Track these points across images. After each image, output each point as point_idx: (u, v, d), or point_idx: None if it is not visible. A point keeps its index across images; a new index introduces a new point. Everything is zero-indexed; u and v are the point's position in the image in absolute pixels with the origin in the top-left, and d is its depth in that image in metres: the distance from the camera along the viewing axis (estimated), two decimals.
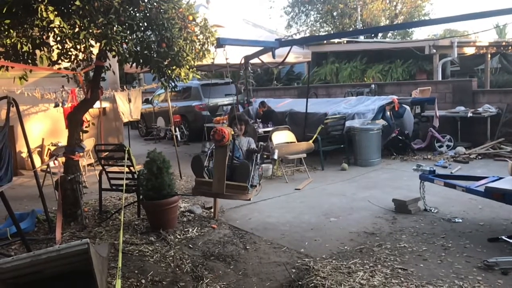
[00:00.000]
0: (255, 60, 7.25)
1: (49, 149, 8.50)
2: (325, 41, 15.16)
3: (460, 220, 4.93)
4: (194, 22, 5.20)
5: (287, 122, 9.42)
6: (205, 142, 5.26)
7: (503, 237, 4.23)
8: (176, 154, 7.86)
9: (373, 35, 22.36)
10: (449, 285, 3.44)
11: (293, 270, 3.87)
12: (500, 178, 4.78)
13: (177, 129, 12.01)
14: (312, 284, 3.54)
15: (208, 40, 5.39)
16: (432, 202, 5.44)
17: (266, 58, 8.77)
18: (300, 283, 3.61)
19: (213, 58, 5.21)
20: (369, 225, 4.94)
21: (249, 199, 4.77)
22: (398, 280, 3.58)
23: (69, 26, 4.19)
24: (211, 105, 12.23)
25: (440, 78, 12.34)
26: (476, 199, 5.33)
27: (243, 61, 5.49)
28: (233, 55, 6.61)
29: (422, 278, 3.60)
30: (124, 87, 9.27)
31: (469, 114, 8.98)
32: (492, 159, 8.10)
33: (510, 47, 15.20)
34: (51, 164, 6.60)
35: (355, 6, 22.80)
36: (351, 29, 22.28)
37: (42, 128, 9.06)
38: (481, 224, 4.79)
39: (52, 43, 4.76)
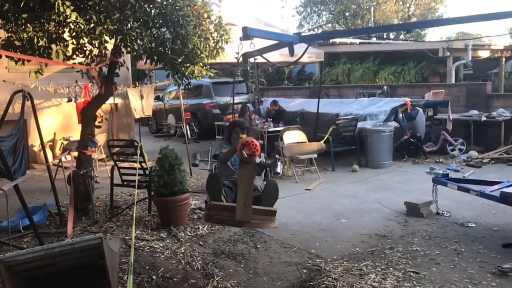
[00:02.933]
0: (270, 59, 7.04)
1: (62, 143, 8.56)
2: (337, 42, 15.08)
3: (473, 225, 4.87)
4: (208, 20, 5.20)
5: (298, 122, 9.39)
6: (196, 153, 4.53)
7: None
8: (187, 151, 7.87)
9: (385, 36, 22.23)
10: None
11: (304, 271, 3.85)
12: None
13: (187, 126, 12.03)
14: (324, 285, 3.52)
15: (222, 38, 5.39)
16: (444, 206, 5.39)
17: (278, 57, 8.79)
18: (311, 283, 3.59)
19: (237, 52, 4.25)
20: (380, 228, 4.90)
21: (276, 227, 3.83)
22: (410, 283, 3.54)
23: (85, 21, 4.21)
24: (222, 103, 12.24)
25: (453, 81, 12.22)
26: (490, 204, 5.27)
27: (241, 60, 4.92)
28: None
29: (435, 282, 3.56)
30: (136, 83, 9.31)
31: (483, 118, 8.87)
32: (506, 164, 8.00)
33: None
34: (63, 158, 6.64)
35: (368, 7, 22.67)
36: None
37: (54, 122, 9.13)
38: (495, 229, 4.72)
39: (67, 38, 4.78)
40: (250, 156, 3.29)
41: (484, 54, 14.09)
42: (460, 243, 4.36)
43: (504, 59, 14.39)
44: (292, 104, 10.99)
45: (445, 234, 4.65)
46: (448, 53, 12.27)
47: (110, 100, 6.44)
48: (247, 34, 4.09)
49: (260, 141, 4.28)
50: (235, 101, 12.24)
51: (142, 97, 8.63)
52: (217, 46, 5.40)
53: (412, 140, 8.73)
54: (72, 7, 4.04)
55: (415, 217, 5.20)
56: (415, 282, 3.56)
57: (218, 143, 4.46)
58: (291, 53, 4.46)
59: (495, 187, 4.78)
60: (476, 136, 9.14)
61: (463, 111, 9.74)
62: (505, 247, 4.19)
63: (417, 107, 9.02)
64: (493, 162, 8.18)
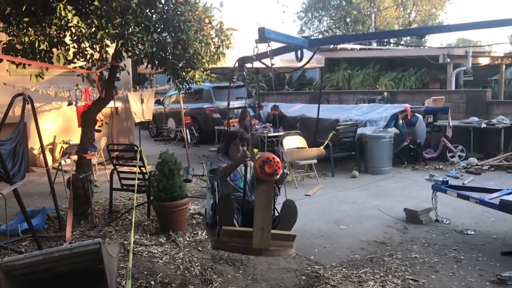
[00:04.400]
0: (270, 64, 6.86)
1: (61, 147, 8.56)
2: (338, 47, 15.11)
3: (473, 232, 4.86)
4: (210, 25, 5.22)
5: (298, 127, 9.40)
6: (189, 168, 4.11)
7: None
8: (187, 156, 7.87)
9: (385, 43, 22.23)
10: None
11: (303, 277, 3.84)
12: None
13: (187, 130, 12.04)
14: None
15: (223, 43, 5.41)
16: (443, 213, 5.38)
17: (279, 63, 8.80)
18: None
19: (254, 55, 3.80)
20: (379, 234, 4.89)
21: (293, 254, 3.50)
22: None
23: (86, 26, 4.23)
24: (222, 107, 12.25)
25: (453, 88, 12.24)
26: (489, 212, 5.26)
27: (237, 65, 4.58)
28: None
29: None
30: (137, 87, 9.32)
31: (483, 125, 8.88)
32: (505, 172, 8.00)
33: None
34: (63, 162, 6.64)
35: (368, 13, 22.74)
36: None
37: (54, 125, 9.13)
38: (494, 237, 4.72)
39: (68, 42, 4.80)
40: (271, 175, 2.87)
41: (484, 61, 14.13)
42: (459, 251, 4.35)
43: (504, 66, 14.42)
44: (293, 109, 11.01)
45: (444, 241, 4.64)
46: (449, 60, 12.30)
47: (111, 104, 6.45)
48: (265, 36, 3.72)
49: (261, 153, 3.57)
50: (236, 105, 12.30)
51: (142, 101, 8.64)
52: (218, 51, 5.42)
53: (412, 147, 8.73)
54: (73, 12, 4.06)
55: (414, 224, 5.19)
56: None
57: (214, 156, 3.79)
58: (300, 58, 4.13)
59: (495, 194, 4.77)
60: (476, 143, 9.15)
61: (463, 117, 9.75)
62: (504, 255, 4.19)
63: (417, 114, 9.03)
64: (492, 169, 8.17)
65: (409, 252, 4.36)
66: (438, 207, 5.34)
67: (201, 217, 5.45)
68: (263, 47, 3.71)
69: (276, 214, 3.27)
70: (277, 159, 2.92)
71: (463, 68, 12.82)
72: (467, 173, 7.93)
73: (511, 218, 4.89)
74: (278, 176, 2.91)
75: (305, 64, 4.55)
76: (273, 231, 2.99)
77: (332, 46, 14.43)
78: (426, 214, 5.30)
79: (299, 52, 4.24)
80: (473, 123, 9.16)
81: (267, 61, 4.94)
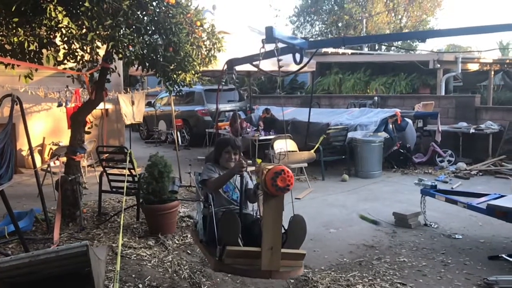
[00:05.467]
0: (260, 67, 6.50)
1: (51, 148, 8.49)
2: (329, 52, 15.18)
3: (460, 237, 4.90)
4: (201, 28, 5.22)
5: (289, 130, 9.42)
6: (174, 178, 3.72)
7: (504, 256, 4.21)
8: (177, 158, 7.84)
9: (377, 47, 22.42)
10: None
11: (292, 281, 3.84)
12: (502, 196, 4.77)
13: (178, 133, 12.01)
14: None
15: (215, 46, 5.42)
16: (432, 217, 5.42)
17: (270, 66, 8.82)
18: None
19: (260, 54, 3.55)
20: (368, 238, 4.91)
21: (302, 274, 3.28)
22: None
23: (77, 27, 4.20)
24: (214, 110, 12.23)
25: (443, 93, 12.36)
26: (477, 216, 5.31)
27: (225, 67, 4.32)
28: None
29: None
30: (128, 89, 9.28)
31: (471, 130, 8.99)
32: (493, 176, 8.09)
33: None
34: (52, 163, 6.58)
35: (360, 18, 22.90)
36: None
37: (44, 127, 9.06)
38: (482, 241, 4.76)
39: (59, 43, 4.77)
40: (283, 189, 2.58)
41: (473, 67, 14.29)
42: (447, 255, 4.39)
43: (493, 72, 14.60)
44: (284, 113, 11.01)
45: (433, 245, 4.67)
46: (438, 65, 12.42)
47: (101, 106, 6.42)
48: (273, 35, 3.50)
49: (266, 164, 3.09)
50: (227, 108, 12.30)
51: (133, 103, 8.61)
52: (210, 54, 5.43)
53: (402, 151, 8.79)
54: (64, 12, 4.03)
55: (403, 228, 5.23)
56: None
57: (203, 165, 3.51)
58: (300, 60, 3.89)
59: (482, 199, 4.83)
60: (464, 148, 9.24)
61: (452, 123, 9.85)
62: (491, 259, 4.23)
63: (407, 118, 9.10)
64: (481, 174, 8.26)
65: (398, 255, 4.39)
66: (426, 211, 5.38)
67: (191, 220, 5.43)
68: (257, 48, 3.55)
69: (283, 230, 2.90)
70: (290, 171, 2.64)
71: (453, 73, 12.96)
72: (456, 177, 8.01)
73: (498, 222, 4.93)
74: (287, 191, 2.62)
75: (301, 67, 4.34)
76: (284, 250, 2.75)
77: (323, 50, 14.47)
78: (414, 218, 5.34)
79: (297, 55, 4.10)
80: (462, 128, 9.27)
81: (267, 63, 4.69)
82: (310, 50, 5.15)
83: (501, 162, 8.60)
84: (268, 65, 7.77)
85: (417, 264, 4.18)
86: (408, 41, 21.85)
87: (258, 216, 3.36)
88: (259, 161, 3.03)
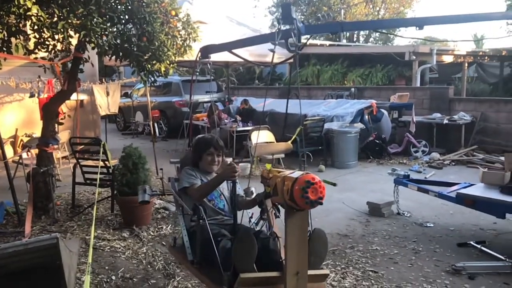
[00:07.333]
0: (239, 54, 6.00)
1: (21, 140, 8.30)
2: (308, 43, 15.16)
3: (432, 225, 5.03)
4: (176, 17, 5.16)
5: (267, 121, 9.43)
6: (144, 186, 3.19)
7: (471, 242, 4.34)
8: (154, 150, 7.77)
9: (355, 39, 22.58)
10: None
11: None
12: (471, 185, 4.89)
13: (155, 124, 11.89)
14: None
15: (190, 36, 5.36)
16: (405, 206, 5.53)
17: (248, 57, 8.80)
18: None
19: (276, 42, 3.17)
20: (343, 227, 4.99)
21: None
22: (368, 282, 3.63)
23: (47, 15, 4.10)
24: (192, 101, 12.14)
25: (418, 85, 12.55)
26: (448, 205, 5.44)
27: (199, 55, 3.90)
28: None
29: (392, 281, 3.66)
30: (103, 80, 9.12)
31: (445, 121, 9.18)
32: (465, 166, 8.29)
33: (486, 57, 15.58)
34: (24, 155, 6.44)
35: (338, 9, 23.01)
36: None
37: (16, 118, 8.82)
38: (452, 229, 4.89)
39: (29, 32, 4.64)
40: (313, 203, 2.11)
41: (448, 59, 14.54)
42: (418, 243, 4.49)
43: (466, 64, 14.88)
44: (262, 104, 11.02)
45: (405, 233, 4.78)
46: (414, 57, 12.58)
47: (74, 96, 6.30)
48: (292, 14, 3.07)
49: (288, 170, 2.56)
50: (205, 100, 12.22)
51: (108, 94, 8.48)
52: (185, 44, 5.38)
53: (377, 142, 8.92)
54: (33, 0, 3.92)
55: (376, 217, 5.33)
56: (373, 281, 3.64)
57: (182, 171, 3.04)
58: (292, 47, 3.35)
59: (453, 188, 4.94)
60: (438, 139, 9.44)
61: (427, 113, 10.04)
62: (460, 246, 4.35)
63: (382, 109, 9.22)
64: (453, 163, 8.46)
65: (370, 244, 4.47)
66: (400, 200, 5.49)
67: (166, 212, 5.40)
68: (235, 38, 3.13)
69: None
70: (320, 181, 2.17)
71: (428, 65, 13.15)
72: (430, 167, 8.18)
73: (468, 210, 5.08)
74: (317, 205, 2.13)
75: (287, 59, 3.97)
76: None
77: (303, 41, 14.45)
78: (388, 207, 5.44)
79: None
80: (436, 119, 9.45)
81: (244, 53, 4.21)
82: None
83: (473, 152, 8.83)
84: (245, 55, 7.75)
85: (389, 252, 4.27)
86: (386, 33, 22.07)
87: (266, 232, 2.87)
88: (268, 166, 2.64)
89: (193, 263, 2.69)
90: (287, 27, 3.23)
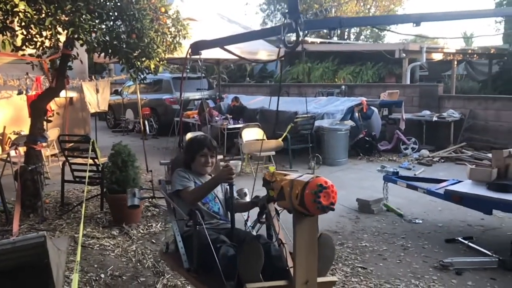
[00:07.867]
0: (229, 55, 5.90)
1: (9, 137, 8.21)
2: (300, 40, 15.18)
3: (420, 221, 5.07)
4: (166, 14, 5.14)
5: (258, 119, 9.44)
6: (134, 189, 3.06)
7: (459, 238, 4.39)
8: (144, 148, 7.74)
9: (346, 37, 22.65)
10: (406, 284, 3.54)
11: None
12: (459, 182, 4.95)
13: (146, 122, 11.83)
14: None
15: (180, 33, 5.34)
16: (394, 203, 5.57)
17: (238, 54, 8.79)
18: None
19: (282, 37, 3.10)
20: (332, 224, 5.01)
21: None
22: (357, 278, 3.65)
23: (34, 12, 4.06)
24: (182, 99, 12.10)
25: (408, 82, 12.63)
26: (436, 201, 5.49)
27: (189, 51, 3.84)
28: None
29: (381, 277, 3.68)
30: (93, 77, 9.05)
31: (434, 118, 9.26)
32: (454, 163, 8.37)
33: (475, 55, 15.73)
34: (12, 153, 6.38)
35: (330, 7, 23.05)
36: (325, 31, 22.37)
37: (4, 115, 8.72)
38: (440, 225, 4.94)
39: (16, 28, 4.58)
40: (324, 209, 1.98)
41: (437, 56, 14.63)
42: (407, 239, 4.53)
43: (456, 62, 15.00)
44: (253, 101, 11.03)
45: (394, 230, 4.82)
46: (404, 55, 12.65)
47: (64, 94, 6.25)
48: (297, 7, 3.05)
49: (297, 173, 2.43)
50: (196, 97, 12.19)
51: (97, 91, 8.42)
52: (175, 41, 5.36)
53: (367, 139, 8.97)
54: None
55: (366, 213, 5.36)
56: (362, 277, 3.67)
57: (174, 173, 2.88)
58: (291, 44, 3.31)
59: (441, 185, 4.99)
60: (428, 136, 9.52)
61: (416, 111, 10.11)
62: (447, 242, 4.40)
63: (372, 107, 9.27)
64: (442, 160, 8.54)
65: (360, 241, 4.50)
66: (390, 197, 5.53)
67: (156, 210, 5.39)
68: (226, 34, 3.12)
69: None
70: (332, 185, 2.04)
71: (418, 63, 13.23)
72: (419, 164, 8.25)
73: (456, 207, 5.12)
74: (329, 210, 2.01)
75: (294, 48, 3.90)
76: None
77: (292, 39, 14.49)
78: (377, 204, 5.47)
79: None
80: (425, 116, 9.53)
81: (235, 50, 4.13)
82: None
83: (462, 149, 8.92)
84: (236, 52, 7.73)
85: (378, 248, 4.30)
86: (377, 31, 22.19)
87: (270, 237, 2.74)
88: (272, 168, 2.51)
89: (190, 271, 2.55)
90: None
